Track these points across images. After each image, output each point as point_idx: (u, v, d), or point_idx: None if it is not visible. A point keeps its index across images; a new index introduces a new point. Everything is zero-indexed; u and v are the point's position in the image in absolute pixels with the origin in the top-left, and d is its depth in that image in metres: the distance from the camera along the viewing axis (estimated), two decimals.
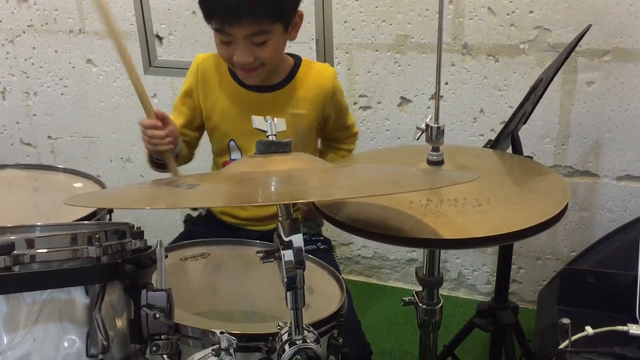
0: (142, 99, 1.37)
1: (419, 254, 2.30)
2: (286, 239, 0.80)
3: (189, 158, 1.59)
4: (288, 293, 0.82)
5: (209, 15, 1.34)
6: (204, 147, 1.66)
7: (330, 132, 1.62)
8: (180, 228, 1.70)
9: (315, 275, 1.29)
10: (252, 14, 1.27)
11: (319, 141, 1.67)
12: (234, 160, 1.55)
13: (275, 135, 0.90)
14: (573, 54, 1.80)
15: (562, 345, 0.98)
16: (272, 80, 1.48)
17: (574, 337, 0.99)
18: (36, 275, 0.86)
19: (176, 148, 1.44)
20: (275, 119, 0.93)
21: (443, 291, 1.17)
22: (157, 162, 1.46)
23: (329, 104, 1.52)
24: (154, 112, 1.37)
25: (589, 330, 1.03)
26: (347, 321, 1.16)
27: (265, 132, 0.91)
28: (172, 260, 1.32)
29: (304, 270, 0.81)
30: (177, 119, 1.50)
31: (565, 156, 1.99)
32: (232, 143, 1.53)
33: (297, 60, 1.52)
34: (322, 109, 1.52)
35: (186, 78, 1.54)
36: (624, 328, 1.06)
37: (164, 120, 1.38)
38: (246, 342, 1.03)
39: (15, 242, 0.85)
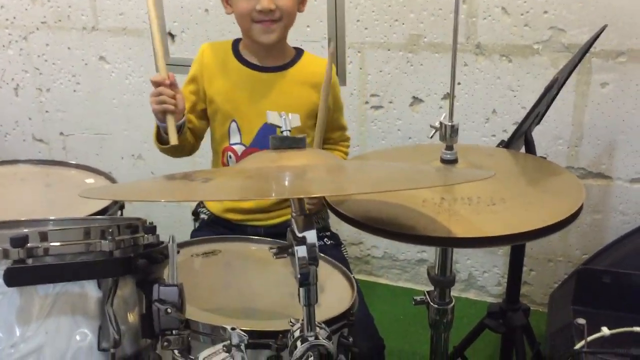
0: (157, 56, 1.42)
1: (429, 254, 2.29)
2: (300, 235, 0.80)
3: (194, 145, 1.60)
4: (301, 289, 0.81)
5: None
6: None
7: (328, 131, 1.61)
8: (189, 225, 1.70)
9: (326, 273, 1.28)
10: None
11: None
12: (235, 144, 1.56)
13: (289, 130, 0.90)
14: (587, 55, 1.78)
15: (577, 346, 0.97)
16: (277, 62, 1.55)
17: (590, 338, 0.97)
18: (49, 268, 0.86)
19: (180, 118, 1.44)
20: (290, 114, 0.92)
21: (453, 292, 1.16)
22: (163, 136, 1.47)
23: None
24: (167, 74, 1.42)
25: (605, 331, 1.02)
26: (359, 316, 1.15)
27: (279, 127, 0.90)
28: (183, 257, 1.32)
29: (317, 266, 0.81)
30: None
31: (578, 158, 1.98)
32: (233, 125, 1.55)
33: (300, 51, 1.60)
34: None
35: (192, 65, 1.59)
36: None
37: (173, 84, 1.42)
38: (256, 339, 1.02)
39: (29, 235, 0.86)
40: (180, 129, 1.45)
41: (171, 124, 1.41)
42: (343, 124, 1.66)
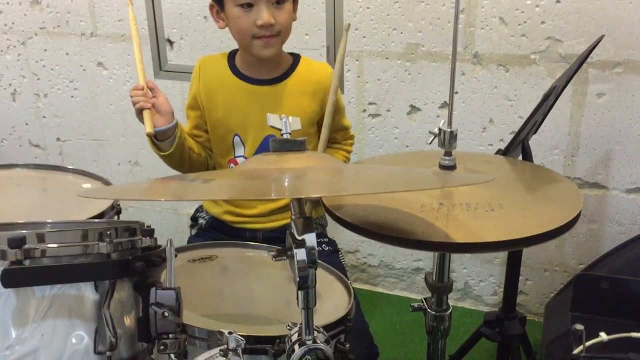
0: (139, 67, 1.48)
1: (425, 263, 2.29)
2: (299, 238, 0.80)
3: (204, 158, 1.62)
4: (299, 292, 0.81)
5: None
6: None
7: (331, 133, 1.62)
8: (185, 232, 1.69)
9: (323, 279, 1.28)
10: None
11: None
12: (239, 157, 1.59)
13: (289, 133, 0.90)
14: (584, 65, 1.79)
15: (575, 351, 0.97)
16: (272, 74, 1.55)
17: (588, 343, 0.97)
18: (46, 269, 0.86)
19: (169, 122, 1.45)
20: (290, 117, 0.93)
21: (449, 301, 1.17)
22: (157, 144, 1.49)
23: (327, 99, 1.55)
24: (146, 81, 1.47)
25: (603, 336, 1.02)
26: (355, 322, 1.15)
27: (280, 130, 0.90)
28: (180, 262, 1.32)
29: (316, 269, 0.80)
30: (187, 123, 1.61)
31: (575, 167, 1.98)
32: (236, 138, 1.57)
33: (297, 57, 1.60)
34: (321, 102, 1.56)
35: (191, 83, 1.61)
36: (639, 335, 1.05)
37: (152, 89, 1.46)
38: (253, 344, 1.02)
39: (27, 236, 0.85)
40: (172, 137, 1.47)
41: (146, 116, 1.42)
42: (345, 124, 1.67)
